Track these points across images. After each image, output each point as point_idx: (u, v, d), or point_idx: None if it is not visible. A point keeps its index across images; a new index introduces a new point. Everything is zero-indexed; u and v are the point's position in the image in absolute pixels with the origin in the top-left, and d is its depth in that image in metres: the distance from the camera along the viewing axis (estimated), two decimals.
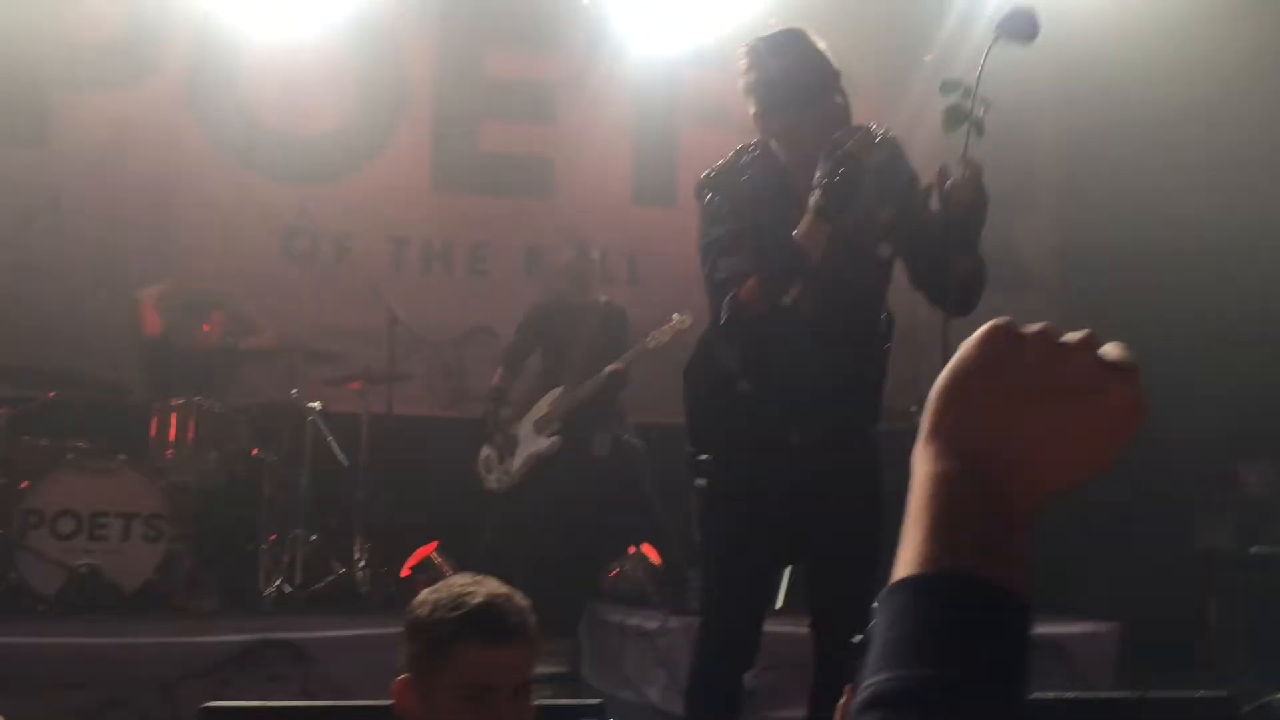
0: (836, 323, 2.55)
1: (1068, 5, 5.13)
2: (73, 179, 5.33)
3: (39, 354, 4.89)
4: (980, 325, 0.66)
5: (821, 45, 2.56)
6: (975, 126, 2.34)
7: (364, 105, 5.76)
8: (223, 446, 4.69)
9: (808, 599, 2.69)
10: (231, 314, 5.04)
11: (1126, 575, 4.94)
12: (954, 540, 0.59)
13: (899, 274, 2.68)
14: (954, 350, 0.66)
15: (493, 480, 5.13)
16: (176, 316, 4.94)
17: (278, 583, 4.54)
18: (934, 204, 2.45)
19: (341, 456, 4.89)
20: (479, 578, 1.60)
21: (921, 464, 0.63)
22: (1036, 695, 2.05)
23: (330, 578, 4.69)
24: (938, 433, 0.63)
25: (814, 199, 2.44)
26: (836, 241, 2.47)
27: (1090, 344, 0.64)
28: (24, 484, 4.25)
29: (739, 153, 2.64)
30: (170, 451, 4.62)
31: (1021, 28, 2.33)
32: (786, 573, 3.56)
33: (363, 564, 4.75)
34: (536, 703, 1.58)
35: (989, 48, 2.32)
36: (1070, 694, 2.47)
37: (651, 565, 4.81)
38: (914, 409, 0.68)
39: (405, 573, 4.82)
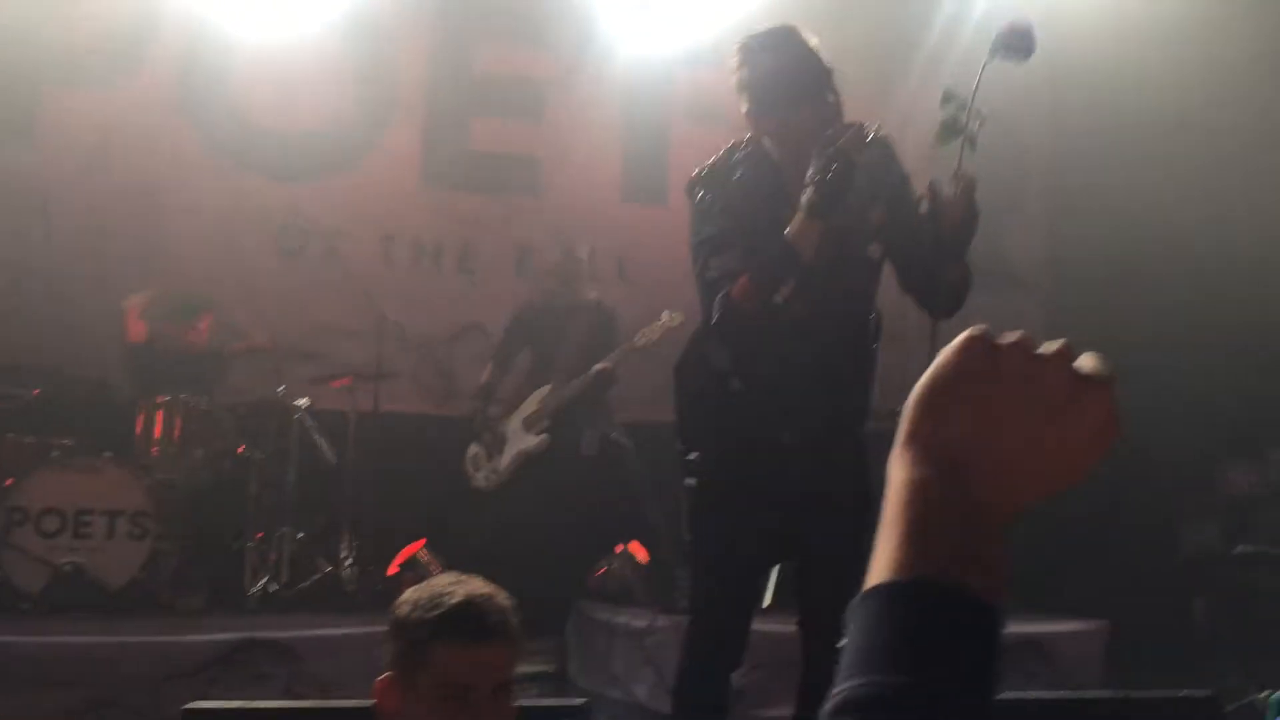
0: (828, 322, 2.55)
1: (1059, 11, 5.16)
2: (62, 176, 5.30)
3: (24, 351, 4.86)
4: (968, 325, 0.66)
5: (814, 43, 2.56)
6: (969, 141, 2.35)
7: (354, 103, 5.74)
8: (209, 444, 4.66)
9: (796, 598, 2.69)
10: (222, 319, 5.02)
11: (1112, 575, 4.97)
12: (928, 547, 0.59)
13: (888, 274, 2.68)
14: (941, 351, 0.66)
15: (481, 478, 5.12)
16: (165, 321, 4.92)
17: (264, 581, 4.53)
18: (924, 210, 2.45)
19: (329, 454, 4.88)
20: (463, 577, 1.59)
21: (897, 470, 0.63)
22: (1020, 695, 2.06)
23: (317, 576, 4.67)
24: (914, 439, 0.63)
25: (807, 196, 2.44)
26: (828, 240, 2.47)
27: (1066, 356, 0.64)
28: (8, 481, 4.23)
29: (730, 150, 2.63)
30: (156, 449, 4.60)
31: (1018, 45, 2.34)
32: (774, 571, 3.56)
33: (350, 562, 4.74)
34: (520, 703, 1.57)
35: (985, 63, 2.33)
36: (1055, 693, 2.48)
37: (639, 564, 4.81)
38: (898, 410, 0.68)
39: (392, 571, 4.81)
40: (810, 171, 2.45)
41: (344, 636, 3.92)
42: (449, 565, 4.29)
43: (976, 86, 2.33)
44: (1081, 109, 5.63)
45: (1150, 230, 5.19)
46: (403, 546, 4.90)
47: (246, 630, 3.85)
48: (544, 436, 5.02)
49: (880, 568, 0.60)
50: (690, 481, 2.60)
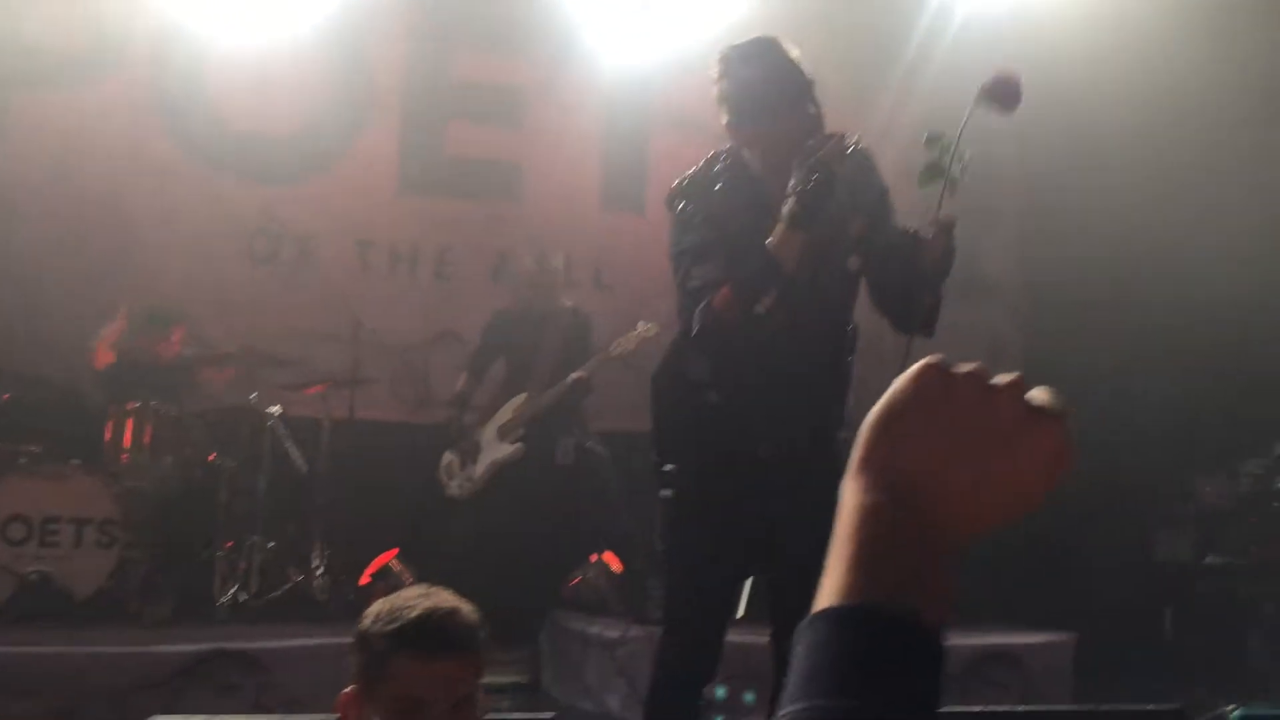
0: (807, 333, 2.56)
1: (1032, 23, 5.21)
2: (30, 181, 5.23)
3: None
4: (946, 343, 0.66)
5: (795, 54, 2.56)
6: (950, 184, 2.37)
7: (330, 106, 5.70)
8: (179, 451, 4.61)
9: (770, 609, 2.69)
10: (194, 332, 4.97)
11: (1083, 586, 5.00)
12: (877, 572, 0.60)
13: (864, 288, 2.69)
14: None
15: (455, 486, 5.09)
16: (137, 336, 4.85)
17: (233, 590, 4.47)
18: (902, 228, 2.47)
19: (300, 462, 4.83)
20: (431, 590, 1.57)
21: (850, 494, 0.64)
22: (991, 708, 2.06)
23: (288, 585, 4.62)
24: (868, 465, 0.64)
25: (788, 207, 2.45)
26: (809, 251, 2.48)
27: (1019, 387, 0.65)
28: None
29: (711, 161, 2.63)
30: (125, 456, 4.54)
31: (1003, 96, 2.37)
32: (748, 583, 3.55)
33: (321, 571, 4.69)
34: (488, 717, 1.55)
35: (970, 111, 2.35)
36: (1024, 706, 2.49)
37: (613, 573, 4.79)
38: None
39: (364, 581, 4.77)
40: (792, 182, 2.45)
41: (315, 647, 3.87)
42: (422, 575, 4.25)
43: (960, 132, 2.36)
44: (1054, 130, 5.69)
45: (1123, 249, 5.25)
46: (375, 556, 4.85)
47: (215, 641, 3.80)
48: (519, 445, 4.99)
49: (828, 591, 0.60)
50: (666, 493, 2.59)
